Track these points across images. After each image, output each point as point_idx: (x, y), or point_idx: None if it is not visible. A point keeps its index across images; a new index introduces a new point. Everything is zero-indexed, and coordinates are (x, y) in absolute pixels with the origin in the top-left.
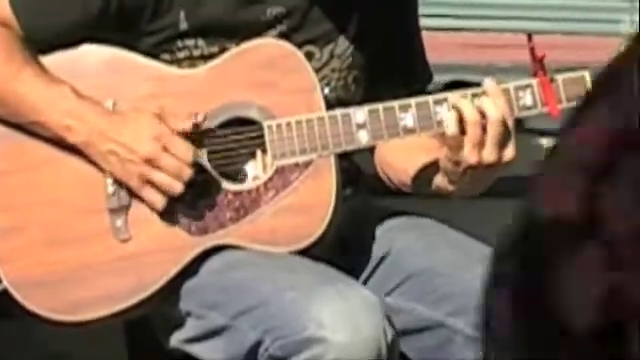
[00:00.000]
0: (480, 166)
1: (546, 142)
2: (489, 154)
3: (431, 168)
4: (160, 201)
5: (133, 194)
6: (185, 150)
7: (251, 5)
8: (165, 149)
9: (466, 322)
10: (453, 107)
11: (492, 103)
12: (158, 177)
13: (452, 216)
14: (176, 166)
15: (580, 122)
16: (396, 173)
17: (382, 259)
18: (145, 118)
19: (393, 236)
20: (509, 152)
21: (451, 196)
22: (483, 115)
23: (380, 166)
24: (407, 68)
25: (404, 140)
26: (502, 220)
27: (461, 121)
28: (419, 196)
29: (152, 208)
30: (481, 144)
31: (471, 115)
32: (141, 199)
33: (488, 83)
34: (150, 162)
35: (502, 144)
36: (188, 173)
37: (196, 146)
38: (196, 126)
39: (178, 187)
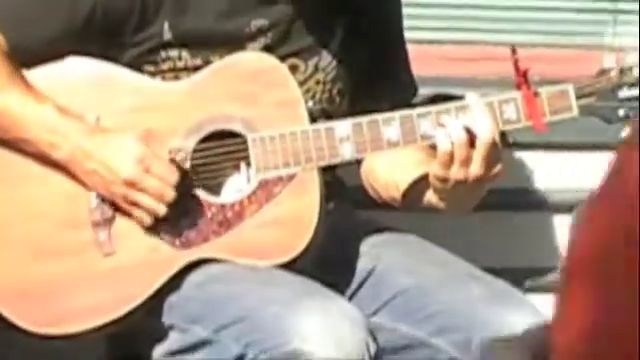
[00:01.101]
0: (468, 181)
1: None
2: (476, 170)
3: (421, 184)
4: (146, 219)
5: (117, 208)
6: (168, 172)
7: (235, 17)
8: (148, 171)
9: (448, 341)
10: (440, 125)
11: (480, 121)
12: (141, 199)
13: (437, 227)
14: (159, 188)
15: None
16: (386, 188)
17: (367, 277)
18: (129, 139)
19: (378, 253)
20: (497, 167)
21: (443, 211)
22: (470, 132)
23: (368, 180)
24: (392, 81)
25: (392, 154)
26: (487, 231)
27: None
28: (398, 210)
29: (139, 223)
30: (468, 161)
31: (458, 134)
32: (125, 212)
33: (471, 98)
34: (132, 184)
35: (490, 160)
36: (171, 195)
37: (180, 159)
38: (173, 160)
39: (161, 210)
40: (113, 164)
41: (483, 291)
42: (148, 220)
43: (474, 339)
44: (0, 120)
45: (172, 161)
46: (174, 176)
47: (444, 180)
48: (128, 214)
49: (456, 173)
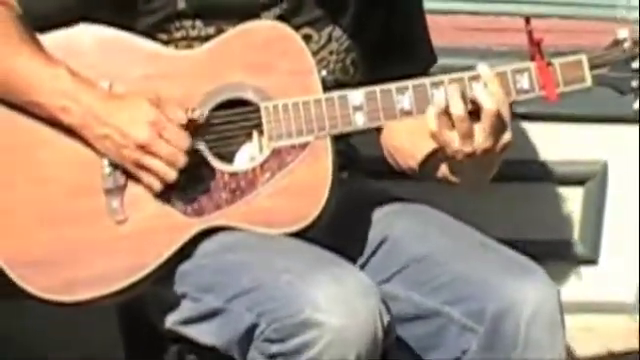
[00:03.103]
0: (476, 153)
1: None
2: (483, 142)
3: (437, 156)
4: (156, 185)
5: (129, 175)
6: (181, 137)
7: None
8: (161, 136)
9: (462, 311)
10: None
11: (488, 93)
12: (152, 163)
13: (448, 198)
14: (171, 153)
15: None
16: (404, 158)
17: (380, 245)
18: (142, 103)
19: (390, 222)
20: (505, 137)
21: (459, 186)
22: (477, 105)
23: (386, 148)
24: (408, 51)
25: (410, 125)
26: (498, 202)
27: (449, 115)
28: (416, 180)
29: (148, 189)
30: (471, 135)
31: (458, 110)
32: (137, 180)
33: (483, 68)
34: (144, 148)
35: (497, 131)
36: (182, 161)
37: (192, 128)
38: (191, 120)
39: (172, 174)
40: (127, 128)
41: (497, 260)
42: (158, 185)
43: (488, 308)
44: (11, 83)
45: (187, 125)
46: (186, 141)
47: (453, 155)
48: (139, 180)
49: (462, 147)
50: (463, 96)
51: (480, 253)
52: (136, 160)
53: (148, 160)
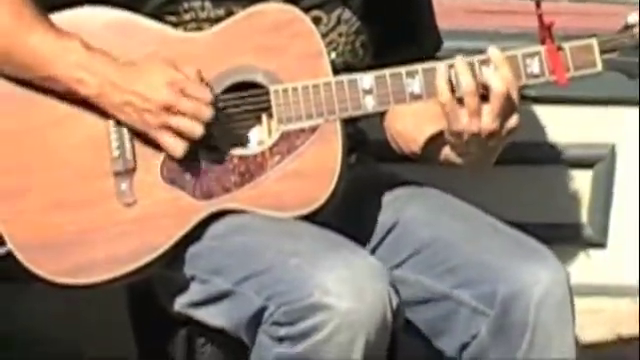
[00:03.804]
0: (482, 135)
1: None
2: (490, 123)
3: (439, 138)
4: (181, 146)
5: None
6: (202, 91)
7: None
8: (182, 93)
9: (472, 294)
10: (451, 69)
11: (497, 75)
12: (178, 122)
13: (458, 181)
14: (195, 108)
15: None
16: (406, 142)
17: (390, 230)
18: (157, 66)
19: (400, 206)
20: (512, 121)
21: (462, 168)
22: (486, 87)
23: (390, 134)
24: (415, 34)
25: (413, 109)
26: (507, 185)
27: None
28: (425, 163)
29: (171, 157)
30: (479, 113)
31: (468, 84)
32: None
33: (493, 51)
34: (168, 108)
35: (505, 114)
36: (208, 113)
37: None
38: (205, 83)
39: (199, 129)
40: (148, 92)
41: (508, 244)
42: (183, 147)
43: (499, 291)
44: (27, 60)
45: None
46: (208, 94)
47: (458, 135)
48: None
49: (468, 125)
50: (473, 74)
51: (491, 237)
52: (162, 123)
53: (174, 120)
